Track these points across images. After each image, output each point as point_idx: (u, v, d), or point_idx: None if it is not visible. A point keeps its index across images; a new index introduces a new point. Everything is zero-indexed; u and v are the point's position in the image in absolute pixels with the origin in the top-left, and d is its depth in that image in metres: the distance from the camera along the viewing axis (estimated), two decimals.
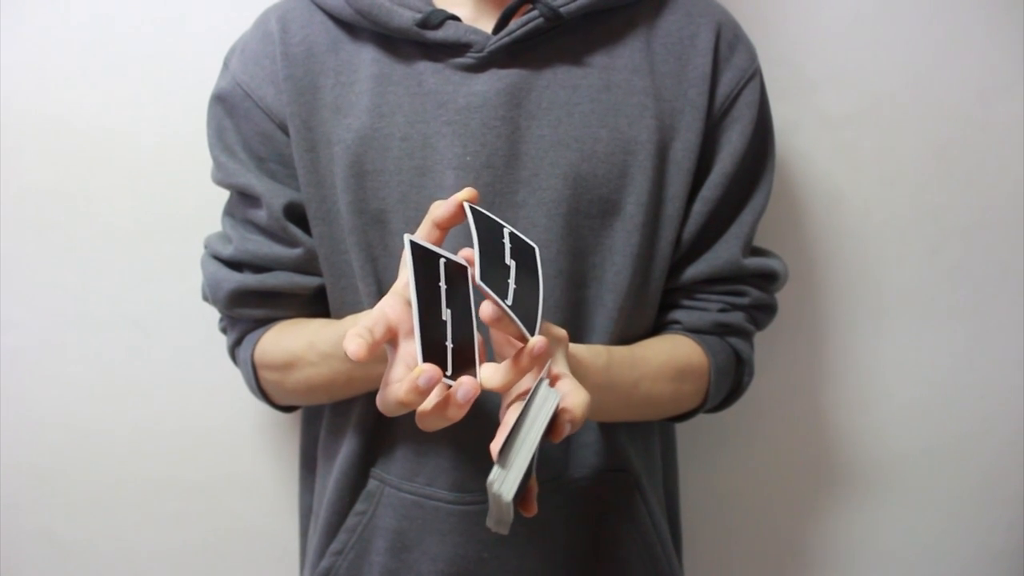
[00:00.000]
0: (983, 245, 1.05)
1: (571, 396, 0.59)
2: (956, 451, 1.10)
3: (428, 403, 0.55)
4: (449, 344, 0.57)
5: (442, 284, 0.58)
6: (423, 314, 0.56)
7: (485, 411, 0.69)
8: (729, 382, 0.84)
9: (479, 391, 0.56)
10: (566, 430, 0.58)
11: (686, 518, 0.99)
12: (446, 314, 0.57)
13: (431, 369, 0.54)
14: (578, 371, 0.67)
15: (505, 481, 0.56)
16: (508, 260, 0.60)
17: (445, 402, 0.56)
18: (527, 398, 0.57)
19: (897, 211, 1.04)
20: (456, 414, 0.56)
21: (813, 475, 1.11)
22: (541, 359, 0.57)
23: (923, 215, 1.05)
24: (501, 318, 0.57)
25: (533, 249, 0.63)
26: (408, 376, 0.54)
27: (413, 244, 0.56)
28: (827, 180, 1.03)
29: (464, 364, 0.58)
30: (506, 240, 0.61)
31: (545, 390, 0.58)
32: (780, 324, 0.89)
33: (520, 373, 0.58)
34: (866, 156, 1.03)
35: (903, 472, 1.11)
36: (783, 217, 1.02)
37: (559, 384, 0.60)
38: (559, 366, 0.62)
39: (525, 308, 0.59)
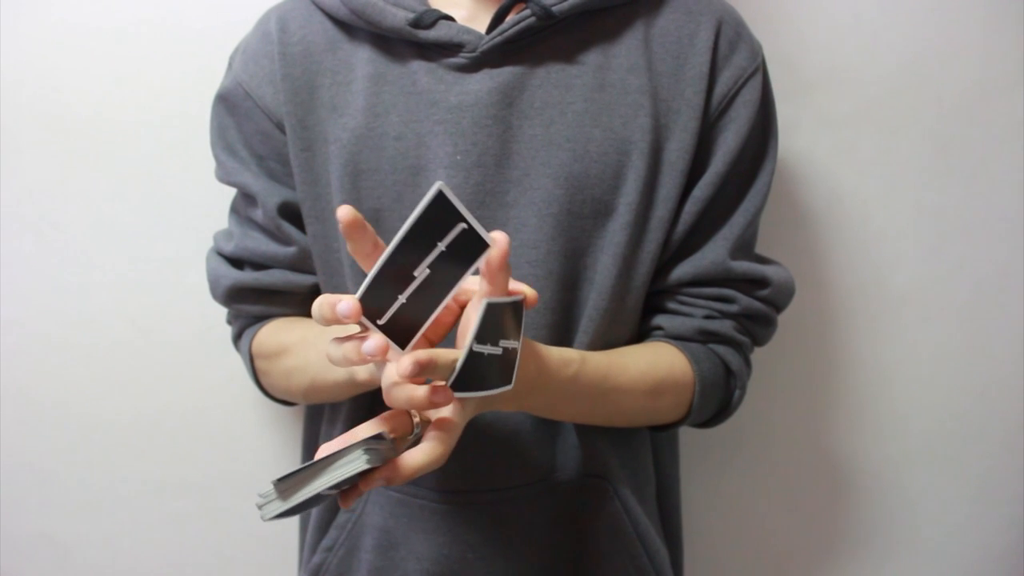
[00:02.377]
0: (983, 245, 1.05)
1: (413, 456, 0.57)
2: (956, 451, 1.10)
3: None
4: (401, 299, 0.54)
5: (442, 245, 0.54)
6: (395, 254, 0.53)
7: None
8: (718, 395, 0.81)
9: (382, 356, 0.54)
10: (375, 484, 0.57)
11: (690, 528, 0.98)
12: (421, 271, 0.54)
13: (354, 305, 0.53)
14: (539, 380, 0.66)
15: (269, 507, 0.55)
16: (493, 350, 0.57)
17: (350, 339, 0.56)
18: (337, 449, 0.55)
19: (897, 211, 1.04)
20: (352, 355, 0.55)
21: (813, 477, 1.11)
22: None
23: (923, 215, 1.05)
24: (426, 366, 0.54)
25: (515, 352, 0.60)
26: (334, 296, 0.54)
27: (440, 192, 0.52)
28: (827, 180, 1.03)
29: (404, 326, 0.55)
30: (490, 349, 0.58)
31: (355, 455, 0.55)
32: (779, 324, 0.88)
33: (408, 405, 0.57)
34: (866, 156, 1.03)
35: (903, 472, 1.11)
36: (783, 218, 1.02)
37: (427, 435, 0.59)
38: (455, 414, 0.60)
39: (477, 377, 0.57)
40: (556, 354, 0.69)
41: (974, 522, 1.12)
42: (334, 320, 0.54)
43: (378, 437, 0.57)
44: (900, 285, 1.06)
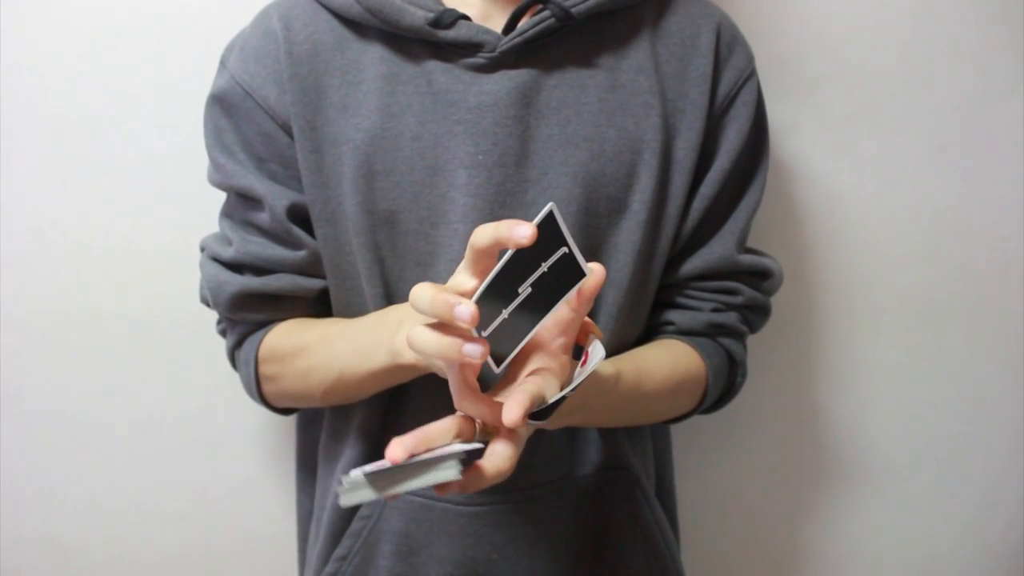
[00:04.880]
0: (983, 245, 1.05)
1: (484, 466, 0.58)
2: (955, 451, 1.10)
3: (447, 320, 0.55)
4: (504, 314, 0.55)
5: (544, 266, 0.54)
6: (505, 270, 0.54)
7: None
8: (722, 384, 0.84)
9: (481, 360, 0.55)
10: (452, 490, 0.58)
11: (683, 516, 0.99)
12: (524, 289, 0.55)
13: (473, 310, 0.53)
14: (581, 400, 0.66)
15: (355, 494, 0.56)
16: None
17: (450, 332, 0.55)
18: (432, 455, 0.56)
19: (897, 211, 1.04)
20: (448, 351, 0.55)
21: (811, 475, 1.11)
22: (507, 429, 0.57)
23: (923, 215, 1.05)
24: (530, 411, 0.55)
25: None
26: (454, 294, 0.54)
27: (551, 212, 0.53)
28: (827, 180, 1.04)
29: (501, 339, 0.56)
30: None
31: (450, 464, 0.56)
32: (779, 324, 0.89)
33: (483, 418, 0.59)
34: (866, 156, 1.03)
35: (902, 472, 1.11)
36: (783, 217, 1.02)
37: (495, 447, 0.59)
38: (524, 429, 0.61)
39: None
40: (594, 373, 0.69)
41: (974, 522, 1.12)
42: (449, 320, 0.54)
43: (477, 452, 0.58)
44: (900, 285, 1.06)
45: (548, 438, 0.78)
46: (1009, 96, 1.02)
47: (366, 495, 0.56)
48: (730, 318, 0.82)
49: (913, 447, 1.10)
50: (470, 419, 0.62)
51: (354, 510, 0.81)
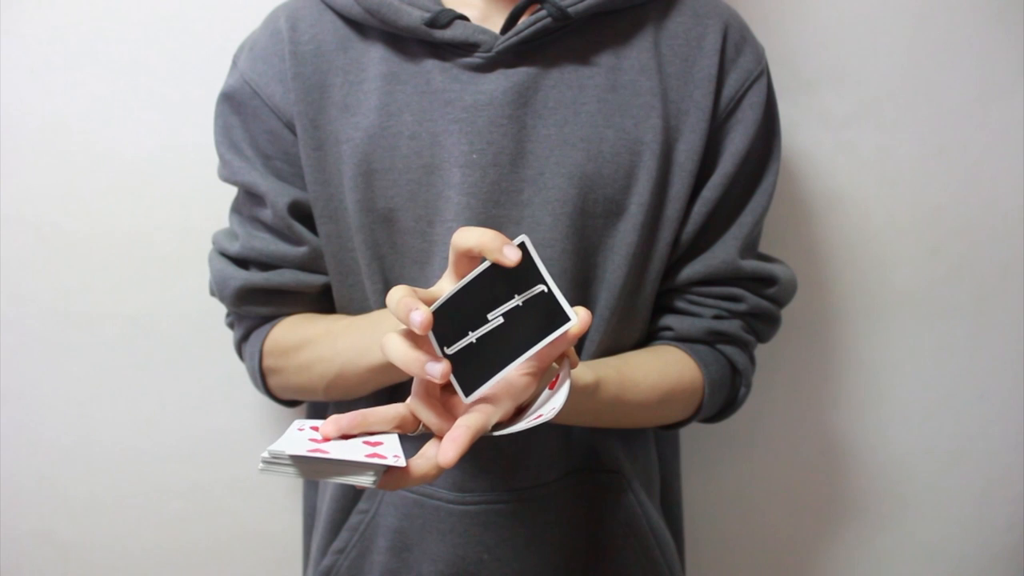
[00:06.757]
0: (983, 245, 1.06)
1: (411, 467, 0.57)
2: (956, 451, 1.11)
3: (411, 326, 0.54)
4: (471, 337, 0.54)
5: (518, 299, 0.53)
6: (471, 287, 0.52)
7: None
8: (724, 395, 0.83)
9: (441, 381, 0.55)
10: (388, 487, 0.58)
11: (689, 523, 0.99)
12: (495, 317, 0.54)
13: (427, 316, 0.52)
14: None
15: (277, 467, 0.55)
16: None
17: (419, 349, 0.55)
18: (347, 458, 0.55)
19: (897, 211, 1.04)
20: (412, 366, 0.55)
21: (813, 476, 1.11)
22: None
23: (923, 215, 1.05)
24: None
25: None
26: (416, 299, 0.53)
27: (523, 245, 0.52)
28: (827, 180, 1.04)
29: (470, 365, 0.56)
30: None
31: (367, 476, 0.56)
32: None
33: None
34: (866, 156, 1.03)
35: (903, 472, 1.11)
36: (783, 218, 1.02)
37: (430, 448, 0.59)
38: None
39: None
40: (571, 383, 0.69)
41: (974, 522, 1.12)
42: (406, 324, 0.54)
43: (389, 467, 0.57)
44: (900, 285, 1.06)
45: (540, 441, 0.78)
46: (1009, 96, 1.02)
47: (287, 472, 0.56)
48: (732, 326, 0.81)
49: (913, 447, 1.10)
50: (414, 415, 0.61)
51: (352, 503, 0.81)
